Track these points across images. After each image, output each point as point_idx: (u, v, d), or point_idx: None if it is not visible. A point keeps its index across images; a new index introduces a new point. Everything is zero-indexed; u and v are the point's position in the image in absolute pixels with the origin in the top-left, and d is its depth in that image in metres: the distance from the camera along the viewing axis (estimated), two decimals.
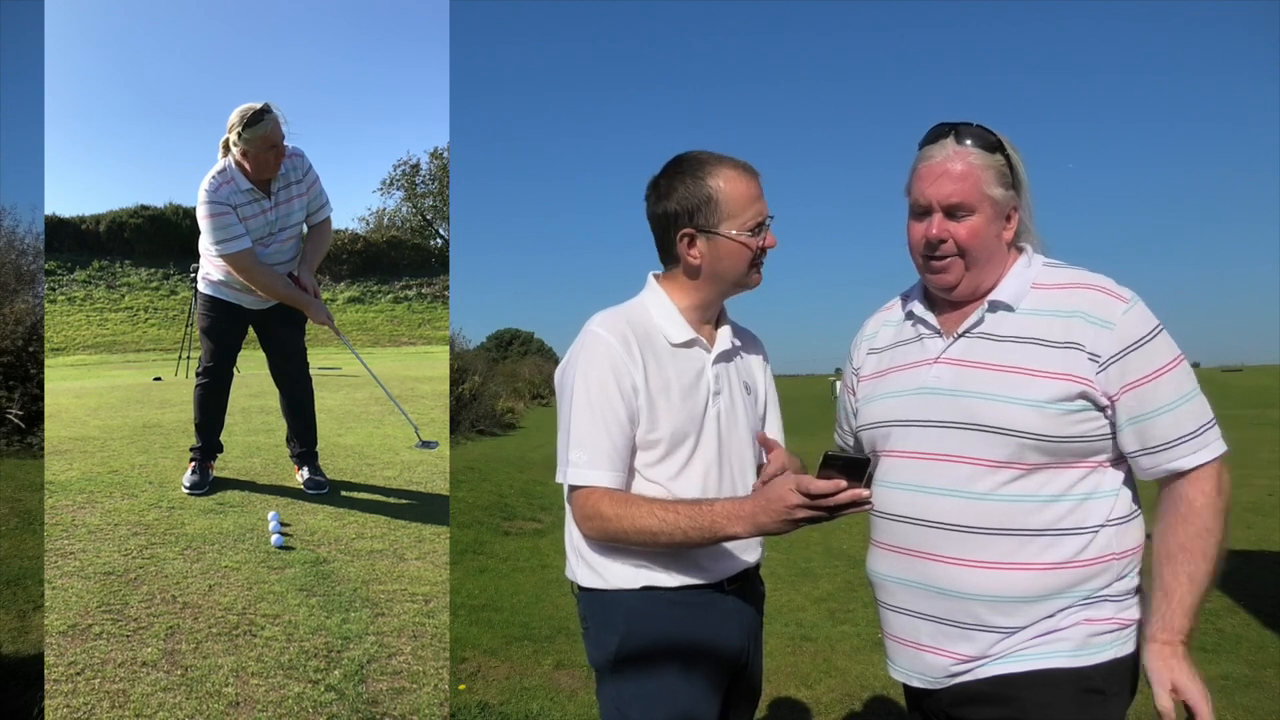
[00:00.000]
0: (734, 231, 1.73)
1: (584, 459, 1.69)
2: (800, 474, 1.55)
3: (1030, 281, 1.62)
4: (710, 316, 1.84)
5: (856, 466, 1.48)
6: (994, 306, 1.62)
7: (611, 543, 1.71)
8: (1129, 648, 1.57)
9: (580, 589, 1.79)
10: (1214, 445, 1.54)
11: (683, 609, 1.72)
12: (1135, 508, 1.60)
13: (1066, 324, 1.55)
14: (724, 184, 1.73)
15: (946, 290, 1.65)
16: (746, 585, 1.82)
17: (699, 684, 1.72)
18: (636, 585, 1.71)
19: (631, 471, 1.74)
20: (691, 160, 1.77)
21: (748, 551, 1.80)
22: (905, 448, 1.64)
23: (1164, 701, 1.51)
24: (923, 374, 1.65)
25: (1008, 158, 1.60)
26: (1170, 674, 1.51)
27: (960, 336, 1.63)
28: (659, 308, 1.80)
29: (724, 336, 1.83)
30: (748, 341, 1.93)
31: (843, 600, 5.46)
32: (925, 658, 1.61)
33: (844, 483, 1.46)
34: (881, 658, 4.84)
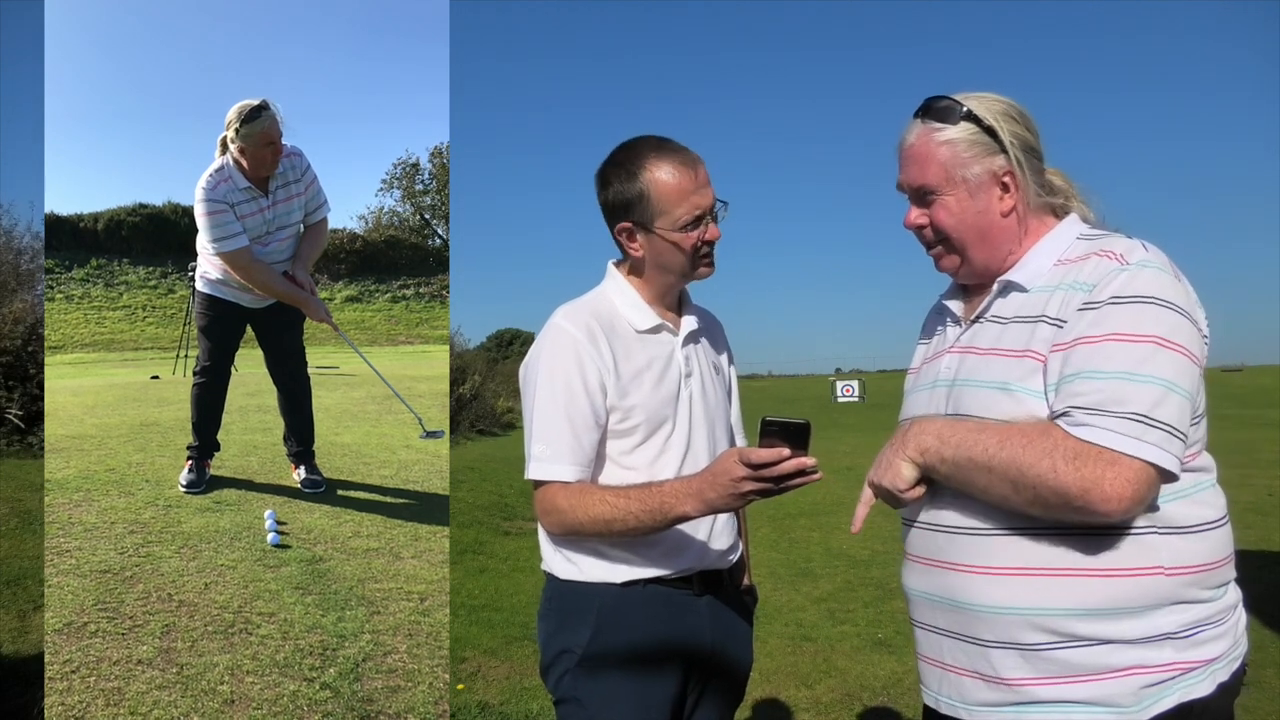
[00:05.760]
0: (668, 229, 1.70)
1: (545, 453, 1.68)
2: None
3: (1056, 256, 1.43)
4: (671, 302, 1.82)
5: (798, 432, 1.40)
6: (1004, 289, 1.46)
7: (571, 535, 1.70)
8: (1201, 690, 1.32)
9: (557, 580, 1.78)
10: (1149, 449, 1.21)
11: (655, 608, 1.71)
12: (1210, 516, 1.36)
13: (1064, 297, 1.35)
14: (656, 179, 1.68)
15: (954, 277, 1.56)
16: (722, 590, 1.81)
17: (661, 683, 1.72)
18: (613, 580, 1.71)
19: (603, 461, 1.72)
20: (627, 152, 1.73)
21: (717, 548, 1.78)
22: None
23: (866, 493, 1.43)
24: (938, 365, 1.54)
25: (978, 122, 1.43)
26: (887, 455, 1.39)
27: (972, 323, 1.51)
28: (621, 295, 1.78)
29: (689, 319, 1.82)
30: (711, 324, 1.92)
31: (843, 600, 5.43)
32: (953, 679, 1.42)
33: (786, 451, 1.39)
34: (882, 657, 4.82)
